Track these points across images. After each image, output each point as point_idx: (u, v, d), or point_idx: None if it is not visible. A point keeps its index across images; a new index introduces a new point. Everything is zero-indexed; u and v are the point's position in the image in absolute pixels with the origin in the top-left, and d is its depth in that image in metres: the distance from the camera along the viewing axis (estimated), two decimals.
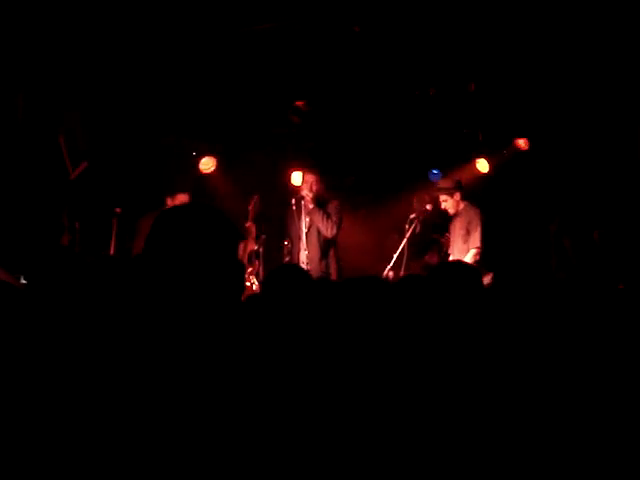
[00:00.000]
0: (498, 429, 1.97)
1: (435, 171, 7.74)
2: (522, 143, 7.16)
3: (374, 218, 8.09)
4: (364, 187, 8.10)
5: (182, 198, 6.34)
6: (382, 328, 2.20)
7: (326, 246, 6.25)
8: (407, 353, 2.17)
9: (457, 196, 6.18)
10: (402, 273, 6.28)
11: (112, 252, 6.17)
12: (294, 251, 6.33)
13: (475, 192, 6.70)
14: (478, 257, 5.96)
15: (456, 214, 6.20)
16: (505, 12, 5.36)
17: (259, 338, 2.25)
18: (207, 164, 7.51)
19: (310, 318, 2.49)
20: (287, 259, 6.32)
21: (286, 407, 1.58)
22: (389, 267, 6.26)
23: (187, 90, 6.65)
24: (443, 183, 6.33)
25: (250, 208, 6.83)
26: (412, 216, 6.41)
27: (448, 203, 6.20)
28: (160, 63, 6.16)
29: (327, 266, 6.21)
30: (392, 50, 6.11)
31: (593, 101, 6.35)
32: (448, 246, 6.44)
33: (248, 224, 6.85)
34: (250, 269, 6.68)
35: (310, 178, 6.31)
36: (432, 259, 6.62)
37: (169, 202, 6.34)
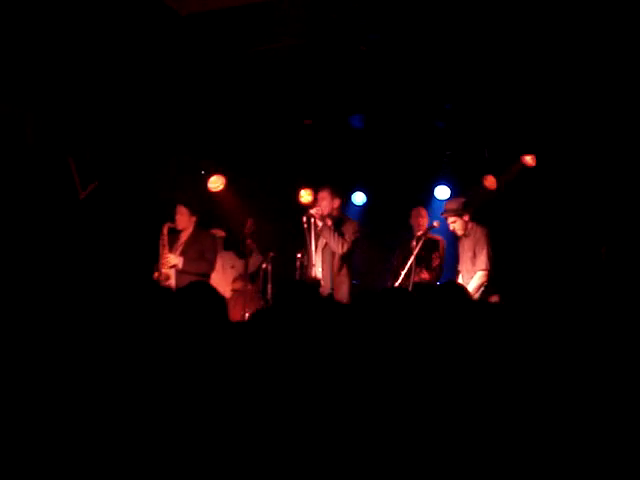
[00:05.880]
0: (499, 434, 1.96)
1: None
2: (529, 160, 7.14)
3: (382, 236, 8.09)
4: (373, 204, 8.10)
5: (182, 210, 6.38)
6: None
7: (340, 265, 6.14)
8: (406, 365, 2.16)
9: (466, 217, 6.06)
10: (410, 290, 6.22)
11: None
12: (307, 268, 6.24)
13: (484, 211, 6.64)
14: (486, 279, 5.82)
15: (465, 235, 6.07)
16: (514, 29, 5.36)
17: (261, 351, 2.25)
18: (216, 182, 7.55)
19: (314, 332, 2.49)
20: (298, 273, 6.16)
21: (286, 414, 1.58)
22: (397, 285, 6.21)
23: (196, 109, 6.71)
24: (451, 204, 6.14)
25: (246, 232, 6.88)
26: (419, 233, 6.31)
27: (457, 224, 6.05)
28: (170, 82, 6.21)
29: (339, 284, 6.09)
30: (399, 69, 6.13)
31: (601, 115, 6.32)
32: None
33: (248, 242, 6.87)
34: (250, 287, 6.68)
35: (321, 195, 6.26)
36: (423, 275, 6.43)
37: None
